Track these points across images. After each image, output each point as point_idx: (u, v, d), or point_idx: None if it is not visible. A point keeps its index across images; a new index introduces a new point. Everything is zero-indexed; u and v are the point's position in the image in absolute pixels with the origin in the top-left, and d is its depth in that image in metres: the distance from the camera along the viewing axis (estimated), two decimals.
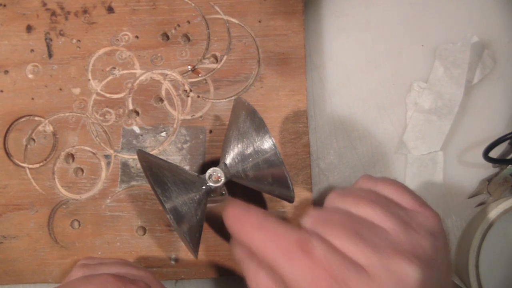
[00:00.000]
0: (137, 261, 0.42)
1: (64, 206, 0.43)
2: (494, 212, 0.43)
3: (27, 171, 0.44)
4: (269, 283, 0.28)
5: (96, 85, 0.45)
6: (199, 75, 0.45)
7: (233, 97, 0.44)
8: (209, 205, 0.42)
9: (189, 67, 0.45)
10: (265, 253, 0.28)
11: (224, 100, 0.44)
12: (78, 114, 0.44)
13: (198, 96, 0.45)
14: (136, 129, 0.44)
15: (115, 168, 0.43)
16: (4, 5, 0.46)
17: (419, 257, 0.28)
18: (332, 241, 0.27)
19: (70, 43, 0.45)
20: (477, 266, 0.42)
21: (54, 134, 0.44)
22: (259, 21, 0.45)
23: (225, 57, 0.45)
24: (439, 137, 0.46)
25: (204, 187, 0.36)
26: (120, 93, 0.45)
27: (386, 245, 0.27)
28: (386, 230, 0.28)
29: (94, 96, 0.45)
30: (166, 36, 0.46)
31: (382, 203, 0.30)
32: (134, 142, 0.44)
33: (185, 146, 0.44)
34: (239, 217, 0.29)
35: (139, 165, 0.43)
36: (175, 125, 0.44)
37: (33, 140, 0.44)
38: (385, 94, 0.47)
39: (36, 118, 0.44)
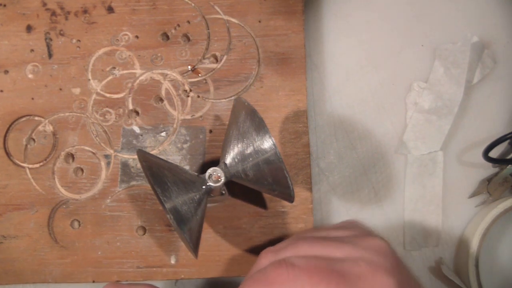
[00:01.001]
0: (137, 261, 0.42)
1: (64, 206, 0.43)
2: (494, 212, 0.43)
3: (27, 171, 0.44)
4: None
5: (96, 85, 0.45)
6: (199, 75, 0.45)
7: (233, 97, 0.44)
8: (209, 205, 0.42)
9: (189, 67, 0.45)
10: None
11: (224, 100, 0.44)
12: (78, 114, 0.44)
13: (198, 96, 0.45)
14: (136, 129, 0.44)
15: (115, 168, 0.43)
16: (4, 5, 0.46)
17: (376, 234, 0.32)
18: (303, 252, 0.30)
19: (70, 43, 0.45)
20: (477, 266, 0.42)
21: (54, 134, 0.44)
22: (259, 21, 0.45)
23: (225, 57, 0.45)
24: (439, 137, 0.46)
25: (204, 187, 0.36)
26: (120, 93, 0.45)
27: (351, 237, 0.31)
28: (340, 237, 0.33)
29: (94, 96, 0.45)
30: (166, 36, 0.46)
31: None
32: (134, 142, 0.44)
33: (185, 146, 0.44)
34: None
35: (139, 165, 0.43)
36: (175, 125, 0.44)
37: (33, 140, 0.44)
38: (385, 94, 0.47)
39: (36, 118, 0.44)
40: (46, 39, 0.46)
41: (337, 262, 0.29)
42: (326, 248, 0.30)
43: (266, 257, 0.32)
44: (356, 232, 0.33)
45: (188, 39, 0.45)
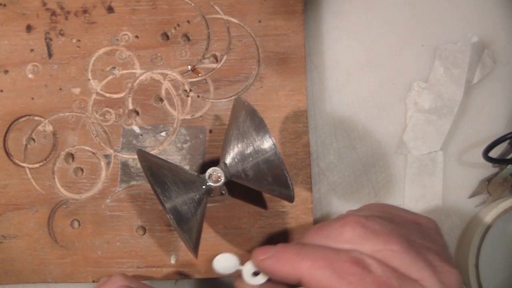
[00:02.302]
0: (137, 261, 0.42)
1: (64, 206, 0.43)
2: (494, 212, 0.43)
3: (27, 171, 0.44)
4: None
5: (96, 85, 0.45)
6: (199, 75, 0.45)
7: (233, 97, 0.44)
8: (209, 205, 0.42)
9: (189, 67, 0.45)
10: (320, 281, 0.26)
11: (224, 100, 0.44)
12: (78, 114, 0.44)
13: (198, 96, 0.45)
14: (136, 129, 0.44)
15: (115, 168, 0.43)
16: (4, 5, 0.46)
17: (451, 260, 0.29)
18: (384, 253, 0.27)
19: (70, 43, 0.45)
20: (477, 266, 0.42)
21: (54, 134, 0.44)
22: (259, 21, 0.45)
23: (225, 57, 0.45)
24: (439, 137, 0.46)
25: (204, 186, 0.36)
26: (120, 93, 0.45)
27: (432, 255, 0.28)
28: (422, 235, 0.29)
29: (94, 96, 0.45)
30: (166, 36, 0.46)
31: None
32: (134, 142, 0.44)
33: (185, 146, 0.44)
34: (273, 256, 0.29)
35: (139, 165, 0.43)
36: (175, 125, 0.44)
37: (33, 140, 0.44)
38: (385, 94, 0.47)
39: (36, 118, 0.44)
40: (46, 39, 0.46)
41: (408, 286, 0.26)
42: (408, 261, 0.27)
43: (354, 227, 0.28)
44: (431, 244, 0.30)
45: (188, 39, 0.45)
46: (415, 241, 0.28)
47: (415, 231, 0.29)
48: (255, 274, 0.31)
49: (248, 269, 0.31)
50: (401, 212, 0.31)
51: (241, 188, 0.41)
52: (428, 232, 0.31)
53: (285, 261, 0.28)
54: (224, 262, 0.33)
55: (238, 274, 0.32)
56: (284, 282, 0.29)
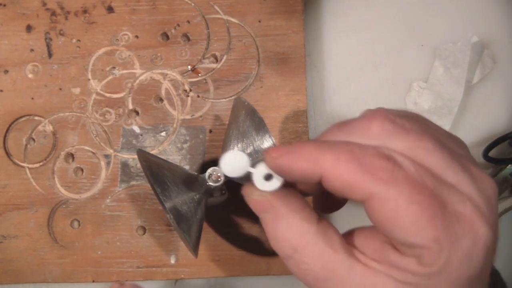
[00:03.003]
0: (137, 261, 0.42)
1: (64, 206, 0.43)
2: None
3: (27, 170, 0.44)
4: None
5: (96, 85, 0.45)
6: (199, 74, 0.45)
7: (233, 97, 0.44)
8: (209, 204, 0.42)
9: (189, 67, 0.45)
10: (345, 176, 0.23)
11: (224, 99, 0.44)
12: (78, 114, 0.44)
13: (198, 96, 0.45)
14: (136, 128, 0.44)
15: (115, 168, 0.43)
16: (4, 5, 0.46)
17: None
18: (416, 151, 0.23)
19: (70, 43, 0.45)
20: None
21: (54, 133, 0.44)
22: (259, 21, 0.45)
23: (225, 57, 0.45)
24: None
25: (204, 186, 0.36)
26: (120, 92, 0.45)
27: (467, 162, 0.25)
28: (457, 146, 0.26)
29: (94, 95, 0.45)
30: (166, 36, 0.46)
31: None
32: (134, 141, 0.44)
33: (185, 145, 0.44)
34: (291, 152, 0.24)
35: (139, 165, 0.43)
36: (175, 125, 0.44)
37: (33, 139, 0.44)
38: (385, 94, 0.47)
39: (36, 118, 0.44)
40: (46, 39, 0.46)
41: (445, 189, 0.23)
42: (442, 161, 0.24)
43: (382, 125, 0.24)
44: (465, 153, 0.26)
45: (188, 39, 0.45)
46: (449, 145, 0.25)
47: (448, 138, 0.26)
48: (267, 178, 0.27)
49: (260, 171, 0.27)
50: (432, 123, 0.27)
51: (241, 188, 0.41)
52: (460, 143, 0.27)
53: (304, 155, 0.24)
54: (232, 163, 0.28)
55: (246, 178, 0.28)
56: (303, 181, 0.25)
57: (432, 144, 0.24)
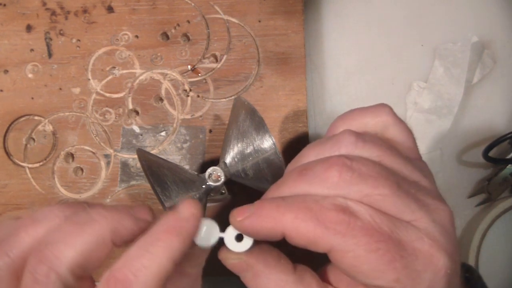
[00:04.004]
0: None
1: None
2: (493, 212, 0.43)
3: (27, 170, 0.44)
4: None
5: (96, 85, 0.45)
6: (199, 74, 0.45)
7: (233, 97, 0.44)
8: (208, 204, 0.42)
9: (189, 66, 0.45)
10: (304, 233, 0.24)
11: (224, 99, 0.44)
12: (78, 114, 0.44)
13: (198, 96, 0.45)
14: (136, 128, 0.44)
15: (114, 168, 0.43)
16: (4, 5, 0.46)
17: (443, 198, 0.28)
18: (373, 198, 0.25)
19: (70, 42, 0.45)
20: (477, 266, 0.42)
21: (54, 133, 0.44)
22: (259, 21, 0.45)
23: (225, 57, 0.45)
24: (438, 136, 0.46)
25: (204, 186, 0.36)
26: (120, 92, 0.45)
27: (423, 194, 0.26)
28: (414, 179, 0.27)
29: (94, 95, 0.45)
30: (166, 36, 0.46)
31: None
32: (134, 141, 0.44)
33: (185, 145, 0.44)
34: (252, 214, 0.26)
35: (138, 165, 0.43)
36: (174, 125, 0.44)
37: (33, 139, 0.44)
38: (385, 94, 0.47)
39: (36, 118, 0.44)
40: (46, 38, 0.46)
41: (402, 229, 0.24)
42: (398, 204, 0.25)
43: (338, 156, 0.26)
44: (425, 182, 0.28)
45: (188, 39, 0.46)
46: (405, 179, 0.27)
47: (404, 167, 0.27)
48: (239, 238, 0.28)
49: (230, 234, 0.28)
50: (391, 148, 0.28)
51: (241, 188, 0.41)
52: (418, 165, 0.29)
53: (265, 217, 0.25)
54: (204, 233, 0.28)
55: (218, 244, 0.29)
56: (268, 240, 0.26)
57: (388, 190, 0.25)
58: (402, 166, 0.27)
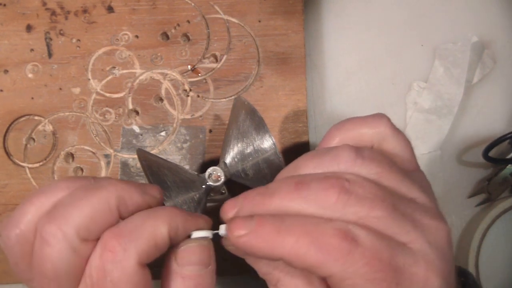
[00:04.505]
0: None
1: None
2: (493, 212, 0.43)
3: (27, 170, 0.44)
4: None
5: (96, 85, 0.45)
6: (199, 74, 0.45)
7: (233, 97, 0.44)
8: (208, 204, 0.42)
9: (189, 66, 0.45)
10: (305, 260, 0.24)
11: (224, 99, 0.44)
12: (78, 114, 0.44)
13: (198, 96, 0.45)
14: (136, 128, 0.44)
15: (115, 168, 0.43)
16: (4, 5, 0.46)
17: (441, 214, 0.28)
18: (369, 220, 0.25)
19: (70, 42, 0.45)
20: (477, 266, 0.42)
21: (54, 133, 0.44)
22: (259, 21, 0.45)
23: (225, 57, 0.45)
24: (438, 136, 0.46)
25: (204, 186, 0.36)
26: (120, 92, 0.45)
27: (420, 212, 0.26)
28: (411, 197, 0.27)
29: (94, 95, 0.45)
30: (166, 36, 0.46)
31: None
32: (134, 141, 0.44)
33: (185, 145, 0.44)
34: (251, 233, 0.25)
35: (138, 165, 0.43)
36: (174, 125, 0.44)
37: (33, 139, 0.44)
38: (385, 94, 0.47)
39: (36, 118, 0.44)
40: (46, 38, 0.46)
41: (399, 252, 0.25)
42: (394, 226, 0.25)
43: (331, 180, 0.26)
44: (425, 198, 0.28)
45: (188, 39, 0.46)
46: (402, 199, 0.27)
47: (402, 183, 0.27)
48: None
49: (224, 227, 0.28)
50: (389, 164, 0.28)
51: (241, 188, 0.41)
52: (416, 177, 0.29)
53: (264, 239, 0.25)
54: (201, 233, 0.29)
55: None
56: (265, 259, 0.26)
57: (383, 212, 0.25)
58: (400, 183, 0.27)
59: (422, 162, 0.46)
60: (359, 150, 0.27)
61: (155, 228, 0.26)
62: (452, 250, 0.27)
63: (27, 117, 0.44)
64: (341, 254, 0.24)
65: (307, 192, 0.26)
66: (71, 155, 0.44)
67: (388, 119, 0.30)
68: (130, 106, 0.44)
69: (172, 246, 0.27)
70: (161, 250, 0.27)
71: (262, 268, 0.28)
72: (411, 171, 0.30)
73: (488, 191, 0.45)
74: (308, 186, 0.26)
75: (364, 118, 0.30)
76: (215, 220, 0.29)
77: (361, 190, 0.26)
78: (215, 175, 0.36)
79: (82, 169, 0.43)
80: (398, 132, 0.30)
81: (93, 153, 0.44)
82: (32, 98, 0.45)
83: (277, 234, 0.25)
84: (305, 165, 0.28)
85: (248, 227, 0.25)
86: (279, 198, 0.26)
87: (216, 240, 0.29)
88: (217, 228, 0.28)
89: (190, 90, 0.45)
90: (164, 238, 0.26)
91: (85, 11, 0.46)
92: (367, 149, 0.28)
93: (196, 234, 0.28)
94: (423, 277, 0.25)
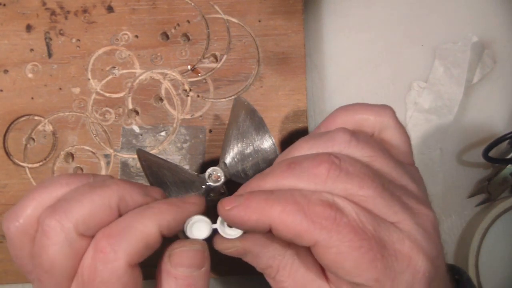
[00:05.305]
0: None
1: None
2: (493, 211, 0.43)
3: (27, 170, 0.44)
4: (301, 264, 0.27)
5: (95, 85, 0.45)
6: (199, 74, 0.45)
7: (233, 97, 0.44)
8: (208, 204, 0.42)
9: (189, 66, 0.45)
10: (291, 227, 0.25)
11: (224, 99, 0.44)
12: (78, 114, 0.44)
13: (198, 96, 0.45)
14: (136, 128, 0.44)
15: (114, 168, 0.43)
16: (4, 5, 0.46)
17: (429, 204, 0.28)
18: (358, 198, 0.26)
19: (69, 42, 0.45)
20: (477, 266, 0.42)
21: (53, 133, 0.44)
22: (259, 21, 0.45)
23: (224, 57, 0.45)
24: (438, 136, 0.46)
25: (203, 186, 0.36)
26: (119, 92, 0.45)
27: (409, 198, 0.27)
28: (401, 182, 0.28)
29: (93, 95, 0.45)
30: (165, 36, 0.46)
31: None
32: (134, 141, 0.44)
33: (184, 145, 0.44)
34: (240, 205, 0.26)
35: (138, 165, 0.43)
36: (174, 125, 0.44)
37: (33, 139, 0.44)
38: (385, 94, 0.47)
39: (36, 118, 0.44)
40: (46, 38, 0.46)
41: (385, 229, 0.25)
42: (383, 205, 0.26)
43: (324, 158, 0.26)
44: (414, 187, 0.28)
45: (188, 39, 0.45)
46: (392, 182, 0.27)
47: (394, 169, 0.28)
48: (231, 226, 0.29)
49: (221, 222, 0.29)
50: (383, 150, 0.29)
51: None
52: (409, 170, 0.30)
53: (253, 208, 0.26)
54: (195, 228, 0.29)
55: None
56: (255, 231, 0.27)
57: (372, 191, 0.26)
58: (391, 168, 0.28)
59: (422, 162, 0.46)
60: (354, 133, 0.28)
61: (145, 227, 0.26)
62: (439, 237, 0.28)
63: (27, 117, 0.44)
64: (326, 221, 0.24)
65: (299, 170, 0.27)
66: (71, 155, 0.44)
67: (393, 111, 0.30)
68: (130, 106, 0.44)
69: (168, 239, 0.28)
70: (154, 248, 0.27)
71: (261, 263, 0.28)
72: (405, 164, 0.30)
73: (488, 191, 0.45)
74: (300, 165, 0.27)
75: (370, 105, 0.31)
76: (215, 221, 0.30)
77: (352, 168, 0.26)
78: (215, 176, 0.36)
79: (82, 169, 0.43)
80: (400, 125, 0.30)
81: (93, 153, 0.44)
82: (32, 98, 0.45)
83: (265, 203, 0.25)
84: (300, 147, 0.28)
85: (238, 201, 0.26)
86: (272, 178, 0.27)
87: (214, 235, 0.30)
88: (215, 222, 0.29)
89: (190, 90, 0.45)
90: (156, 236, 0.27)
91: (85, 11, 0.46)
92: (363, 133, 0.29)
93: (195, 234, 0.29)
94: (408, 255, 0.25)
